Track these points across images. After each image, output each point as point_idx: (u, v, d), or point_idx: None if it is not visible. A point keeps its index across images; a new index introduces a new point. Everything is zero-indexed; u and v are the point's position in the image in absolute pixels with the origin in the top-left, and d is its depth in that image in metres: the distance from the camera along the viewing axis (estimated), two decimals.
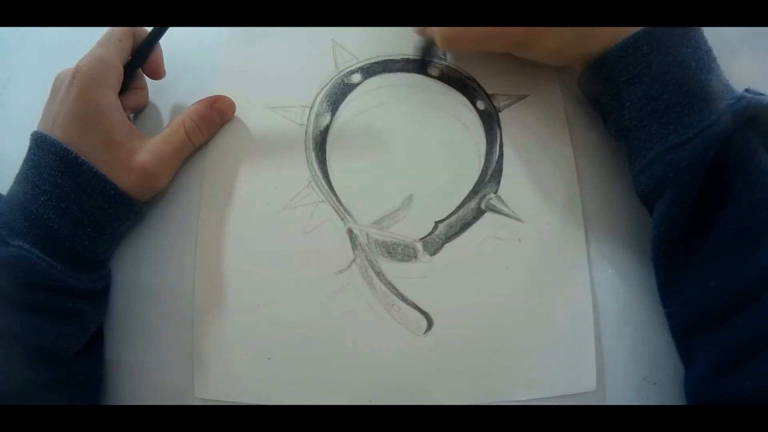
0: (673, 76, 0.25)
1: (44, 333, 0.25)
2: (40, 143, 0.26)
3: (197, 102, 0.30)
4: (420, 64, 0.32)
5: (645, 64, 0.25)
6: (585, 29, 0.26)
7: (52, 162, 0.26)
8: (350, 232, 0.29)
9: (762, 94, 0.25)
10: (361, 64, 0.32)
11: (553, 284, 0.28)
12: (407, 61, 0.32)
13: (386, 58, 0.32)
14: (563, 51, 0.27)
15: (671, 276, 0.26)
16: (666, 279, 0.26)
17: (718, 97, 0.24)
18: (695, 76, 0.24)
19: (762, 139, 0.25)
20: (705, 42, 0.26)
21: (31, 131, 0.28)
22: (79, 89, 0.27)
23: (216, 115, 0.30)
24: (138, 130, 0.29)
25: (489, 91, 0.31)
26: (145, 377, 0.28)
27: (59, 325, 0.26)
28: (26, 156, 0.27)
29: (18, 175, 0.27)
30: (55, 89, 0.29)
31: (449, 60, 0.32)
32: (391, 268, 0.28)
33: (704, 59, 0.25)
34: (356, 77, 0.32)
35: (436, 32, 0.28)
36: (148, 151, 0.28)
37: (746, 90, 0.25)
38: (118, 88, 0.29)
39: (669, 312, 0.26)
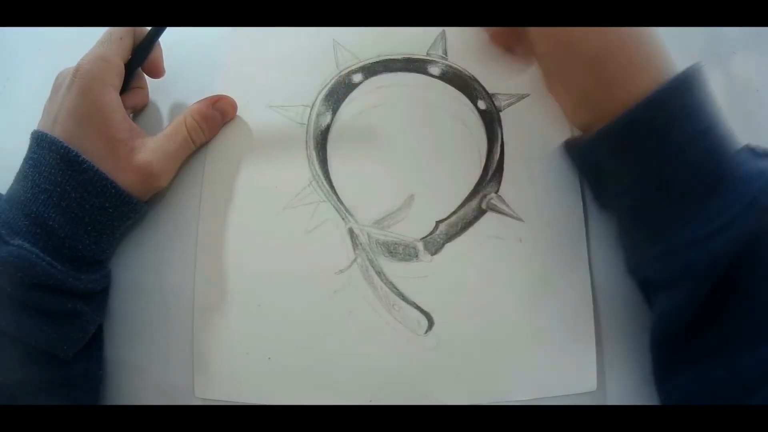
0: (693, 152, 0.21)
1: (43, 334, 0.25)
2: (41, 142, 0.26)
3: (199, 101, 0.30)
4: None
5: (661, 136, 0.22)
6: (604, 78, 0.23)
7: (52, 160, 0.26)
8: (351, 231, 0.29)
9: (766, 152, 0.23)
10: (362, 64, 0.32)
11: (553, 284, 0.28)
12: (408, 60, 0.32)
13: (387, 57, 0.32)
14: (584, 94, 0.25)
15: (671, 365, 0.24)
16: (665, 366, 0.25)
17: (742, 176, 0.21)
18: (718, 150, 0.21)
19: None
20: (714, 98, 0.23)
21: (31, 131, 0.27)
22: (80, 88, 0.27)
23: (218, 115, 0.30)
24: (139, 128, 0.29)
25: (490, 91, 0.31)
26: (145, 377, 0.28)
27: (58, 327, 0.25)
28: (26, 155, 0.27)
29: (18, 173, 0.27)
30: (56, 88, 0.28)
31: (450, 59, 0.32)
32: (392, 268, 0.28)
33: (723, 123, 0.22)
34: (357, 77, 0.32)
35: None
36: (149, 149, 0.28)
37: (748, 146, 0.23)
38: (119, 86, 0.29)
39: (664, 396, 0.25)
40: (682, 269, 0.22)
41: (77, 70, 0.27)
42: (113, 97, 0.28)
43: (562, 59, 0.26)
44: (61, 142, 0.26)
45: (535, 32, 0.26)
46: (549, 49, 0.26)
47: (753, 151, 0.23)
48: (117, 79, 0.28)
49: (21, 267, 0.24)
